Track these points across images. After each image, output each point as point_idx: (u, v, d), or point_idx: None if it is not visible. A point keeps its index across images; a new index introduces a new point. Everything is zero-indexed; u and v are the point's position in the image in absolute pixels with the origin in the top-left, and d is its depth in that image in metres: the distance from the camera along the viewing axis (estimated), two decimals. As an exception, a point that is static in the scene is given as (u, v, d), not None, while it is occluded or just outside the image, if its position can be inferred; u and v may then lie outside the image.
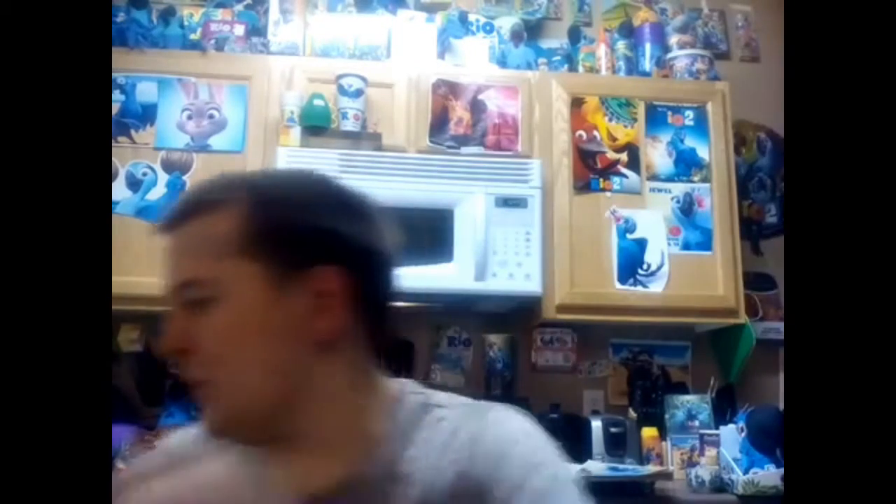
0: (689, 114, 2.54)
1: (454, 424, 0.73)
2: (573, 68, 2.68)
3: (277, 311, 0.70)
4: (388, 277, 0.76)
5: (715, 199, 2.48)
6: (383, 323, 0.76)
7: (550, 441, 0.75)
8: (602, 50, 2.67)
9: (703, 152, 2.52)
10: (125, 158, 2.29)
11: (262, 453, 0.73)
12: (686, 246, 2.43)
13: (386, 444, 0.72)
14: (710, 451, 2.19)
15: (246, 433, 0.71)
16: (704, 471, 2.11)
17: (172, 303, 0.71)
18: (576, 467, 2.00)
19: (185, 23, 2.54)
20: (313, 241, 0.71)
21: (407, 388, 0.78)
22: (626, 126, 2.51)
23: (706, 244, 2.44)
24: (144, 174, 2.29)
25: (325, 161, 2.24)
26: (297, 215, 0.72)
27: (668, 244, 2.42)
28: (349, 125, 2.33)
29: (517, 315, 2.51)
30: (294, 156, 2.25)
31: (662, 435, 2.41)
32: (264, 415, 0.70)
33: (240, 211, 0.71)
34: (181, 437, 0.83)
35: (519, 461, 0.71)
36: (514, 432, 0.74)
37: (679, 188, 2.48)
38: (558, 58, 2.70)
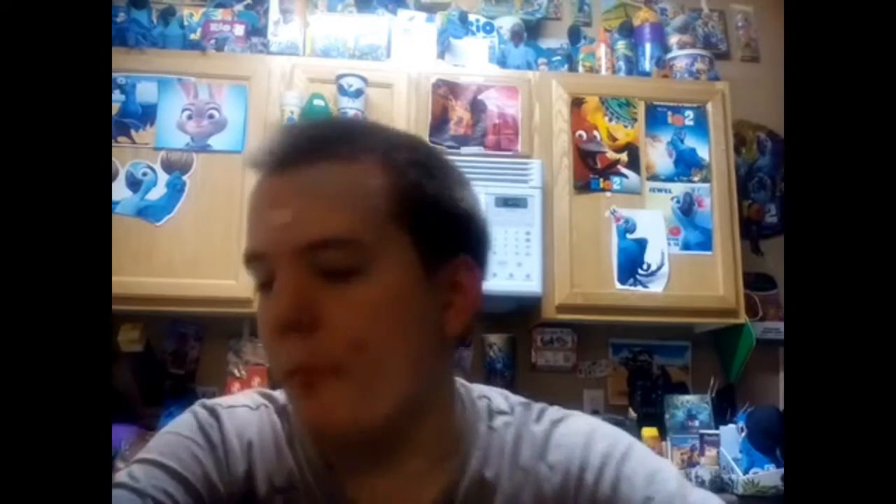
0: (689, 114, 2.54)
1: (518, 429, 0.70)
2: (573, 68, 2.68)
3: (424, 297, 0.60)
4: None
5: (715, 199, 2.48)
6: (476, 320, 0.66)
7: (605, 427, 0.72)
8: (602, 50, 2.67)
9: (703, 152, 2.52)
10: (125, 158, 2.29)
11: (352, 458, 0.64)
12: (686, 246, 2.43)
13: (473, 451, 0.67)
14: (710, 451, 2.19)
15: (368, 434, 0.60)
16: (704, 471, 2.12)
17: (290, 264, 0.58)
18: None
19: (185, 23, 2.55)
20: (460, 225, 0.63)
21: (472, 392, 0.72)
22: (626, 126, 2.51)
23: (706, 244, 2.44)
24: (144, 174, 2.29)
25: (325, 161, 2.25)
26: (448, 191, 0.62)
27: (668, 244, 2.42)
28: (349, 125, 2.33)
29: (517, 315, 2.51)
30: (294, 156, 2.25)
31: (662, 435, 2.40)
32: (395, 414, 0.60)
33: (383, 167, 0.60)
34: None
35: (600, 460, 0.67)
36: (579, 432, 0.70)
37: (679, 188, 2.48)
38: (558, 58, 2.70)
